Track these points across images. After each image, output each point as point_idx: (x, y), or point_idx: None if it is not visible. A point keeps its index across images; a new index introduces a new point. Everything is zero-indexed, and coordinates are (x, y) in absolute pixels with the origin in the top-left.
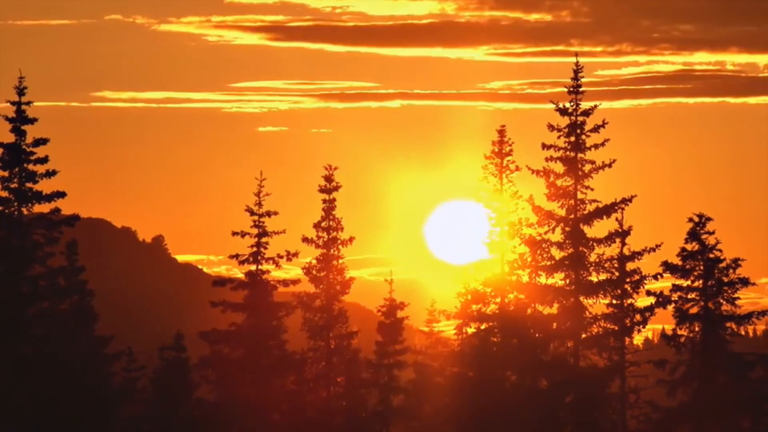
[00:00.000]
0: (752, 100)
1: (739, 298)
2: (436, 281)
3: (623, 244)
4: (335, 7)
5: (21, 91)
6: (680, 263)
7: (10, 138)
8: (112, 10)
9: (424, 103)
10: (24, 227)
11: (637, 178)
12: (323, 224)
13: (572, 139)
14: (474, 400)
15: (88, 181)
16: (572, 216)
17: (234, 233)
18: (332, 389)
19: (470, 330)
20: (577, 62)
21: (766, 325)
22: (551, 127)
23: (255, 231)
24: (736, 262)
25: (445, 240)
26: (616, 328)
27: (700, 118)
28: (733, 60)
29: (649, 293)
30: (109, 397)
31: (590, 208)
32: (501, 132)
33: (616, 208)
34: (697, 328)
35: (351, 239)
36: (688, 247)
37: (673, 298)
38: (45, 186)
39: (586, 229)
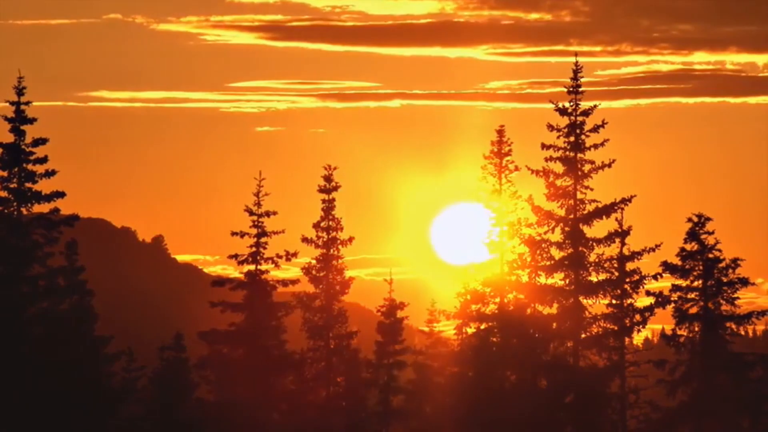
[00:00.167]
0: (752, 99)
1: (738, 298)
2: (436, 281)
3: (623, 244)
4: (335, 7)
5: (20, 91)
6: (680, 263)
7: (10, 138)
8: (112, 10)
9: (423, 103)
10: (23, 227)
11: (637, 178)
12: (323, 224)
13: (572, 139)
14: (474, 400)
15: (88, 181)
16: (572, 216)
17: (233, 233)
18: (332, 389)
19: (470, 330)
20: (577, 62)
21: (766, 325)
22: (551, 127)
23: (254, 231)
24: (735, 262)
25: (444, 240)
26: (616, 328)
27: (700, 118)
28: (733, 60)
29: (648, 293)
30: (109, 397)
31: (590, 208)
32: (500, 132)
33: (616, 208)
34: (696, 328)
35: (351, 239)
36: (688, 247)
37: (672, 298)
38: (44, 186)
39: (585, 229)
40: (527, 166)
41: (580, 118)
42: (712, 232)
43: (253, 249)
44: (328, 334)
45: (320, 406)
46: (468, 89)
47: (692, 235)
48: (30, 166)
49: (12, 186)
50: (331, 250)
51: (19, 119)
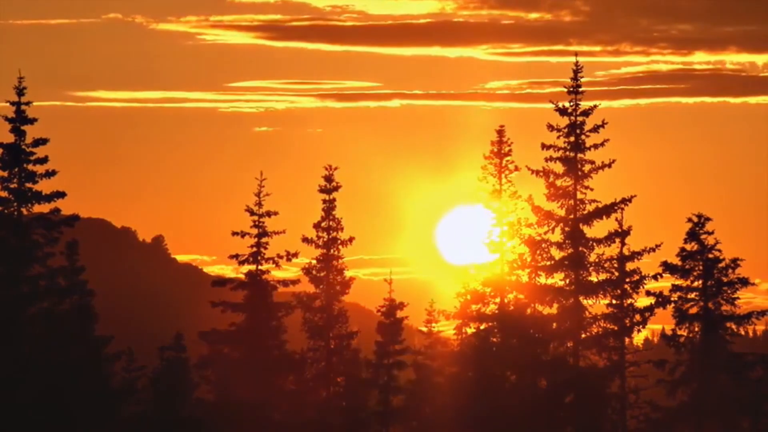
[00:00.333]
0: (752, 99)
1: (738, 298)
2: (437, 281)
3: (623, 244)
4: (335, 6)
5: (20, 92)
6: (680, 263)
7: (10, 138)
8: (112, 9)
9: (423, 103)
10: (24, 227)
11: (637, 178)
12: (323, 224)
13: (572, 139)
14: (473, 400)
15: (88, 181)
16: (572, 216)
17: (234, 233)
18: (332, 389)
19: (470, 330)
20: (577, 62)
21: (766, 325)
22: (551, 127)
23: (255, 231)
24: (735, 262)
25: (444, 240)
26: (616, 328)
27: (700, 118)
28: (733, 59)
29: (648, 293)
30: (109, 397)
31: (590, 208)
32: (500, 132)
33: (616, 208)
34: (696, 328)
35: (351, 239)
36: (688, 247)
37: (672, 298)
38: (45, 186)
39: (585, 229)
40: (527, 166)
41: (580, 118)
42: (712, 232)
43: (254, 249)
44: (328, 334)
45: (320, 406)
46: (468, 89)
47: (692, 235)
48: (30, 167)
49: (12, 186)
50: (332, 250)
51: (19, 119)
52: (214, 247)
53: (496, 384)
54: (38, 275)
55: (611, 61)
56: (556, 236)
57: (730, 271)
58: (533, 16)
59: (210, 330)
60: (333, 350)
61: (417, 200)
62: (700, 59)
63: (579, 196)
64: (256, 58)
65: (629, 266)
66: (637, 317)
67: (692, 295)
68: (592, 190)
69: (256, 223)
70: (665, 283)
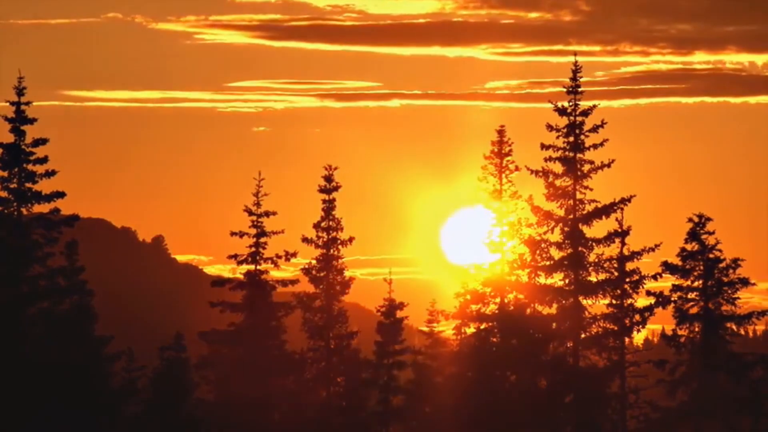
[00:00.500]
0: (752, 99)
1: (739, 298)
2: (437, 281)
3: (623, 244)
4: (335, 6)
5: (20, 92)
6: (680, 263)
7: (10, 138)
8: (112, 9)
9: (422, 103)
10: (23, 227)
11: (636, 177)
12: (323, 224)
13: (571, 139)
14: (473, 400)
15: (88, 181)
16: (571, 216)
17: (233, 233)
18: (332, 389)
19: (469, 330)
20: (576, 62)
21: (766, 325)
22: (550, 127)
23: (254, 231)
24: (735, 263)
25: (444, 240)
26: (616, 328)
27: (700, 118)
28: (732, 59)
29: (648, 293)
30: (109, 397)
31: (589, 208)
32: (500, 132)
33: (616, 208)
34: (697, 328)
35: (351, 239)
36: (688, 247)
37: (672, 298)
38: (44, 186)
39: (585, 229)
40: (527, 166)
41: (579, 118)
42: (713, 232)
43: (253, 249)
44: (328, 334)
45: (320, 406)
46: (467, 89)
47: (693, 235)
48: (30, 167)
49: (12, 186)
50: (332, 250)
51: (19, 119)
52: (214, 247)
53: (495, 384)
54: (38, 275)
55: (611, 60)
56: (556, 236)
57: (731, 271)
58: (533, 15)
59: (209, 330)
60: (333, 350)
61: (417, 200)
62: (700, 59)
63: (578, 196)
64: (256, 58)
65: (629, 266)
66: (637, 317)
67: (692, 295)
68: (591, 190)
69: (255, 223)
70: (665, 283)
